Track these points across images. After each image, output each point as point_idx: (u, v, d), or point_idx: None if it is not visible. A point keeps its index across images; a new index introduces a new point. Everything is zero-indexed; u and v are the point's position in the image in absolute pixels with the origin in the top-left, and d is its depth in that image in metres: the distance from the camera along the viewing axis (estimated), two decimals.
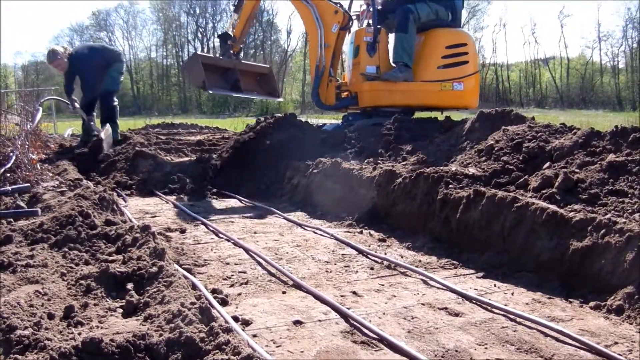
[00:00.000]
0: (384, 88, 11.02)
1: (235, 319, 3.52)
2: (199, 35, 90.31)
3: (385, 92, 11.06)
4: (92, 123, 12.88)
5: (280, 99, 14.22)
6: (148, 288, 3.58)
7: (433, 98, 11.10)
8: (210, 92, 11.85)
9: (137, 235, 4.52)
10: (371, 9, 11.36)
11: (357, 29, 11.45)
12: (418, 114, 11.42)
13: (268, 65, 14.42)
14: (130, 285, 3.68)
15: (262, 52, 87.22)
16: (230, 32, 12.17)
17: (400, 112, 10.94)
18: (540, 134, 6.27)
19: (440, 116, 10.41)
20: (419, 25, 11.08)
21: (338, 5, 11.44)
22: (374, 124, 10.45)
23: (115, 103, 13.45)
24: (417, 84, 11.00)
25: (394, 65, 11.04)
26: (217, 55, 12.62)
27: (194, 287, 3.94)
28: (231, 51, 12.07)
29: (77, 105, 12.84)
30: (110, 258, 4.26)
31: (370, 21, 11.30)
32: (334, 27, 11.37)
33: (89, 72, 12.85)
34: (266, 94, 13.27)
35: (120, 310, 3.41)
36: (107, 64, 13.08)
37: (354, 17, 11.82)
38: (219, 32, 12.16)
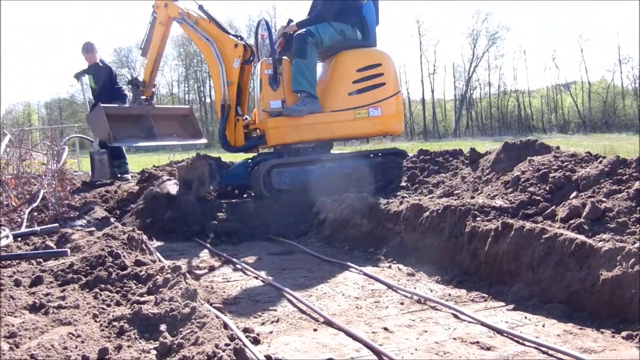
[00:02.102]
0: (289, 124, 10.22)
1: (268, 358, 3.52)
2: None
3: (290, 128, 10.25)
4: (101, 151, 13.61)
5: (204, 141, 13.67)
6: (181, 329, 3.59)
7: (346, 128, 10.42)
8: (117, 144, 11.55)
9: (168, 275, 4.53)
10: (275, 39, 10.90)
11: (261, 62, 10.68)
12: (444, 146, 11.25)
13: (188, 106, 14.13)
14: (163, 327, 3.69)
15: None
16: (139, 78, 12.00)
17: (313, 147, 10.61)
18: (566, 163, 6.26)
19: (465, 148, 10.15)
20: (323, 50, 10.53)
21: (238, 38, 10.97)
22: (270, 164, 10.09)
23: None
24: (326, 115, 10.29)
25: (298, 96, 10.32)
26: (132, 102, 12.52)
27: (226, 326, 3.95)
28: (142, 97, 11.92)
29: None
30: (142, 299, 4.28)
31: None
32: (235, 62, 10.77)
33: (106, 88, 14.13)
34: (190, 136, 12.97)
35: (154, 352, 3.42)
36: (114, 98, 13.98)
37: (269, 49, 10.91)
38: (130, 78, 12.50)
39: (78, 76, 14.62)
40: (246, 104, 11.49)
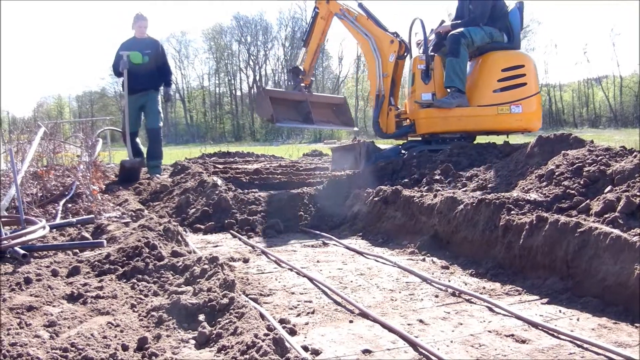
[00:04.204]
0: (438, 115, 11.09)
1: (305, 348, 3.55)
2: (251, 63, 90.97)
3: (440, 119, 11.12)
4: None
5: (356, 129, 14.65)
6: (220, 319, 3.64)
7: (490, 122, 11.04)
8: (279, 125, 12.22)
9: (206, 266, 4.58)
10: (430, 37, 11.65)
11: (414, 57, 11.63)
12: (477, 139, 11.48)
13: (342, 96, 14.92)
14: (201, 317, 3.73)
15: (314, 79, 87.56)
16: (300, 66, 12.69)
17: (458, 138, 11.09)
18: (600, 157, 6.23)
19: (499, 141, 10.34)
20: (473, 50, 11.17)
21: (394, 35, 11.70)
22: (426, 151, 10.59)
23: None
24: (472, 109, 11.01)
25: (448, 91, 11.09)
26: (292, 88, 13.35)
27: (262, 317, 3.96)
28: (302, 84, 12.55)
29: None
30: (180, 289, 4.32)
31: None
32: (391, 56, 11.61)
33: (153, 65, 13.72)
34: (342, 124, 13.76)
35: (193, 342, 3.47)
36: (153, 84, 14.01)
37: (417, 45, 11.99)
38: (292, 65, 13.38)
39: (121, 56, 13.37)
40: (398, 96, 12.35)
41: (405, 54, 11.84)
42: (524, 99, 11.02)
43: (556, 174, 6.31)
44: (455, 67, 10.90)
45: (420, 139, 11.83)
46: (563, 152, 6.74)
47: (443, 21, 11.97)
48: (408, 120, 11.86)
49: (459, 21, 11.45)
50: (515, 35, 11.46)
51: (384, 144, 13.69)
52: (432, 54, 11.44)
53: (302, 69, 12.68)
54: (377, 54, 11.73)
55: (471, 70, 11.47)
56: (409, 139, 12.12)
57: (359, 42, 12.31)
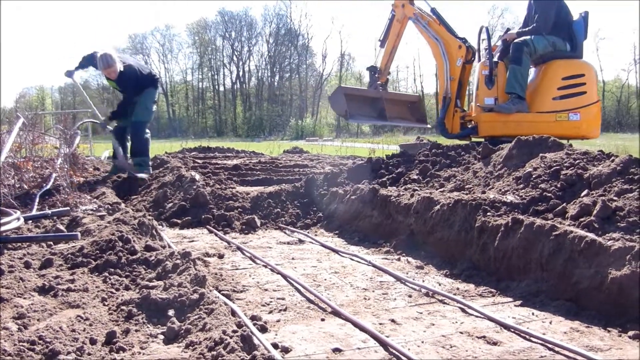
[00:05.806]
0: (499, 119, 11.48)
1: (275, 346, 3.54)
2: (235, 58, 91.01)
3: (500, 123, 11.49)
4: (121, 154, 11.94)
5: (428, 126, 15.18)
6: (189, 315, 3.62)
7: (547, 129, 11.00)
8: (352, 120, 12.75)
9: (178, 261, 4.56)
10: (498, 44, 12.10)
11: (480, 63, 11.98)
12: (457, 141, 11.74)
13: (418, 94, 15.47)
14: (171, 312, 3.71)
15: (297, 76, 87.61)
16: (376, 65, 13.42)
17: None
18: (578, 161, 6.25)
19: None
20: (536, 58, 11.48)
21: (463, 40, 12.28)
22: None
23: (148, 135, 12.37)
24: (531, 115, 11.35)
25: (509, 95, 11.45)
26: (368, 85, 13.95)
27: (234, 313, 3.95)
28: (378, 82, 13.30)
29: (109, 127, 12.32)
30: (151, 284, 4.30)
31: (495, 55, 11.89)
32: (458, 61, 12.19)
33: (133, 90, 12.02)
34: (416, 121, 14.20)
35: (162, 337, 3.45)
36: (143, 88, 12.14)
37: (485, 51, 12.26)
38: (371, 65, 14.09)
39: (70, 74, 12.45)
40: (465, 98, 12.89)
41: (472, 59, 12.32)
42: (583, 107, 11.30)
43: (533, 176, 6.31)
44: (517, 74, 11.24)
45: (483, 140, 11.87)
46: (541, 154, 6.75)
47: (509, 29, 12.43)
48: (472, 122, 12.21)
49: (525, 29, 11.75)
50: (579, 44, 11.68)
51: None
52: (496, 60, 11.80)
53: (379, 68, 13.35)
54: (446, 57, 12.29)
55: (534, 78, 11.82)
56: (472, 140, 12.40)
57: (429, 45, 12.78)
